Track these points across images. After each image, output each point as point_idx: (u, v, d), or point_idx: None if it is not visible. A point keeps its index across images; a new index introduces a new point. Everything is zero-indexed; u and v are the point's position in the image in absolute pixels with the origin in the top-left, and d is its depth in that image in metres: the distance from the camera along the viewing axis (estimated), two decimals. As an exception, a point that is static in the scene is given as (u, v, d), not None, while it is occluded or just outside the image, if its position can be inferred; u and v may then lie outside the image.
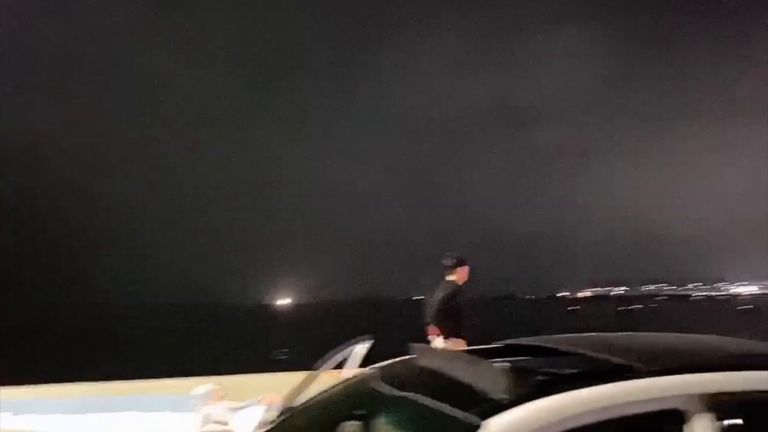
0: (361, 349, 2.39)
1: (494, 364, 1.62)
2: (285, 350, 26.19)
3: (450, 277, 5.73)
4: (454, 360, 1.86)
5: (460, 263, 5.76)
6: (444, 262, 5.78)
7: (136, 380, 7.38)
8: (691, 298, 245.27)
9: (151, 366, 14.31)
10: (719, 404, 1.53)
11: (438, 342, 5.33)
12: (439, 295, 5.65)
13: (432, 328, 5.54)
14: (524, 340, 2.29)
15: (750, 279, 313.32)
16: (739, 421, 1.55)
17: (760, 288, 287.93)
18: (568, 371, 1.73)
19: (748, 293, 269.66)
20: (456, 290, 5.66)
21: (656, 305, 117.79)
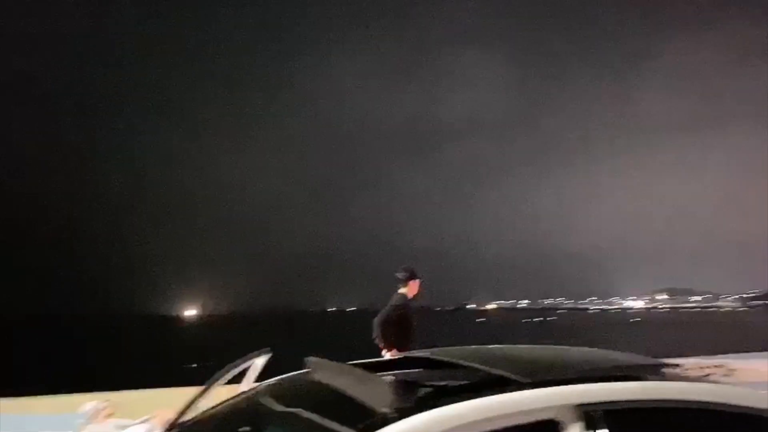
0: (259, 362, 2.34)
1: (383, 378, 1.60)
2: (194, 364, 25.13)
3: (401, 290, 5.77)
4: (346, 374, 1.85)
5: (412, 277, 5.80)
6: (397, 275, 5.80)
7: (21, 397, 6.77)
8: (589, 311, 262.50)
9: (45, 381, 13.25)
10: (593, 414, 1.58)
11: (388, 355, 5.31)
12: (390, 307, 5.68)
13: (379, 341, 5.57)
14: (418, 353, 2.31)
15: (638, 294, 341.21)
16: (612, 431, 1.60)
17: (645, 303, 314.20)
18: (453, 384, 1.75)
19: (637, 307, 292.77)
20: (404, 302, 5.69)
21: (556, 318, 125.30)
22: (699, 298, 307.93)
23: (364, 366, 2.07)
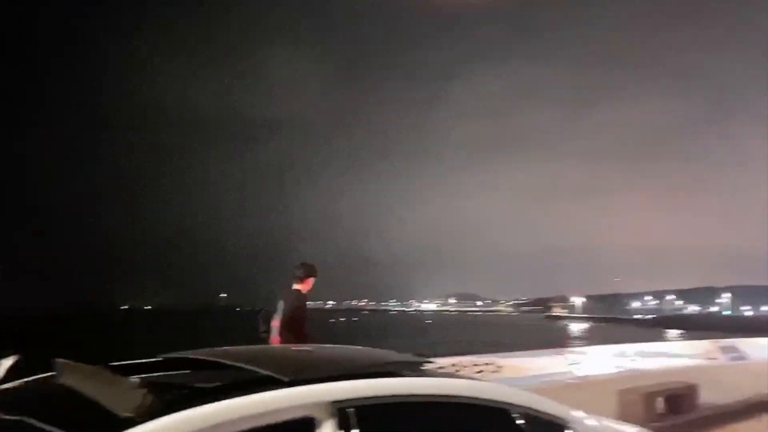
0: (3, 365, 2.11)
1: (134, 380, 1.55)
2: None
3: (296, 286, 5.69)
4: (93, 377, 1.75)
5: (310, 274, 5.76)
6: (295, 271, 5.73)
7: None
8: (390, 312, 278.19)
9: None
10: (347, 411, 1.66)
11: None
12: (285, 303, 5.56)
13: (275, 338, 5.44)
14: (184, 353, 2.27)
15: (431, 297, 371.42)
16: (367, 426, 1.68)
17: (437, 305, 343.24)
18: (212, 384, 1.74)
19: (430, 310, 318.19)
20: (303, 299, 5.67)
21: (357, 319, 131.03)
22: (481, 303, 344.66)
23: (123, 368, 2.00)
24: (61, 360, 1.95)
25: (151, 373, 2.12)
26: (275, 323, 5.55)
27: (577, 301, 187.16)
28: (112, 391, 1.55)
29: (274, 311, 5.66)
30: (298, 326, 5.47)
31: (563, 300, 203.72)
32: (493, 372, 9.22)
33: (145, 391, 1.47)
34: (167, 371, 2.19)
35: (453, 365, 8.73)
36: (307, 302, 5.83)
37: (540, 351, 11.11)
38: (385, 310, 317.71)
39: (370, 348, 2.63)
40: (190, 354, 2.25)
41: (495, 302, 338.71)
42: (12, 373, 2.09)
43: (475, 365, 9.06)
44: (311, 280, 5.79)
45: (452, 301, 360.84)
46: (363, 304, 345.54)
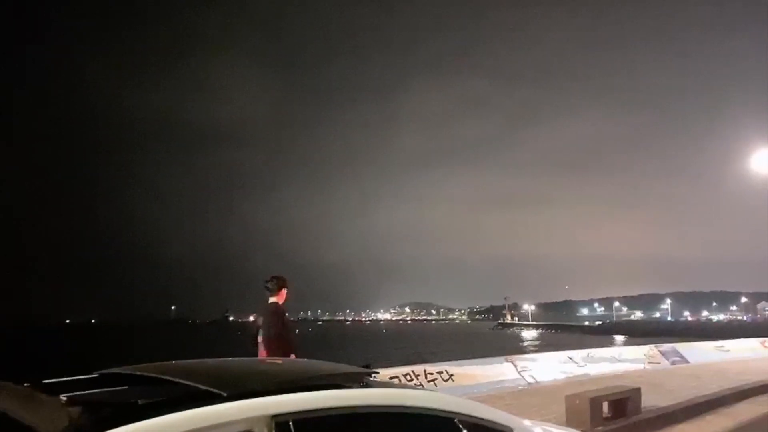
0: None
1: (61, 398, 1.48)
2: None
3: (272, 299, 5.73)
4: (17, 395, 1.68)
5: (281, 286, 5.80)
6: (266, 284, 5.79)
7: None
8: (346, 323, 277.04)
9: None
10: (287, 424, 1.64)
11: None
12: (268, 317, 5.59)
13: (262, 352, 5.45)
14: (124, 369, 2.20)
15: (386, 307, 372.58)
16: None
17: (392, 315, 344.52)
18: (147, 400, 1.69)
19: (386, 319, 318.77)
20: (280, 310, 5.67)
21: (312, 330, 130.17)
22: (435, 312, 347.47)
23: (55, 386, 1.91)
24: None
25: (86, 390, 2.02)
26: (259, 338, 5.58)
27: (528, 308, 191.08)
28: (39, 410, 1.49)
29: (259, 326, 5.68)
30: (283, 338, 5.48)
31: (515, 308, 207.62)
32: (446, 380, 9.28)
33: (76, 409, 1.41)
34: (103, 387, 2.09)
35: (406, 375, 8.74)
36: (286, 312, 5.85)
37: (492, 359, 11.23)
38: (341, 320, 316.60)
39: (314, 360, 2.60)
40: (127, 369, 2.17)
41: (449, 311, 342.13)
42: None
43: (429, 374, 9.09)
44: (284, 292, 5.83)
45: (407, 310, 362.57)
46: (318, 314, 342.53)
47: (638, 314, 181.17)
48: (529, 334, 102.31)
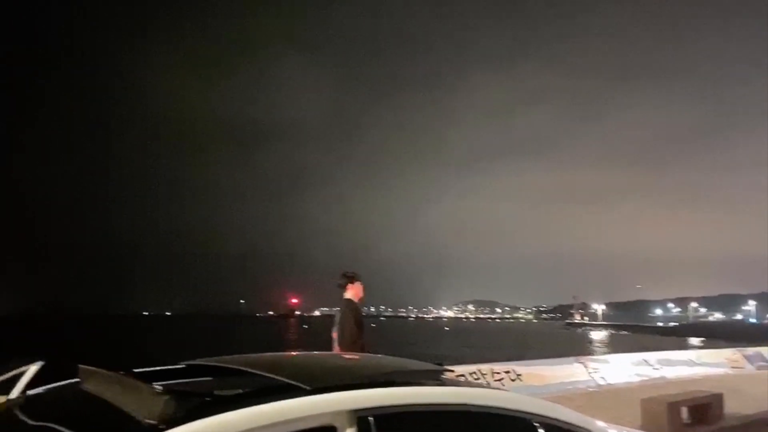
0: (29, 371, 2.11)
1: (157, 387, 1.54)
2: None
3: (346, 296, 5.78)
4: (117, 384, 1.75)
5: (351, 280, 5.81)
6: (339, 281, 5.82)
7: None
8: (408, 319, 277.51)
9: None
10: (367, 420, 1.64)
11: None
12: (340, 312, 5.70)
13: (335, 348, 5.54)
14: (205, 361, 2.27)
15: (448, 304, 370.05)
16: None
17: (455, 312, 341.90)
18: (234, 392, 1.73)
19: (448, 316, 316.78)
20: (352, 306, 5.71)
21: (375, 325, 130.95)
22: (500, 310, 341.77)
23: (145, 375, 2.00)
24: (85, 366, 1.99)
25: (174, 379, 2.12)
26: (333, 334, 5.71)
27: (598, 308, 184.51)
28: (135, 398, 1.55)
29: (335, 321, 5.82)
30: (354, 334, 5.56)
31: (584, 307, 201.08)
32: (513, 380, 9.14)
33: (167, 398, 1.46)
34: (189, 378, 2.20)
35: (472, 373, 8.67)
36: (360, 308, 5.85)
37: (560, 359, 10.96)
38: (403, 317, 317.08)
39: (390, 356, 2.62)
40: (211, 361, 2.26)
41: (514, 309, 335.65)
42: (36, 380, 2.09)
43: (495, 373, 8.98)
44: (355, 287, 5.86)
45: (470, 308, 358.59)
46: (380, 310, 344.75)
47: (717, 316, 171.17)
48: (599, 335, 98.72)
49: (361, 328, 5.63)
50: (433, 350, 45.03)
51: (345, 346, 5.45)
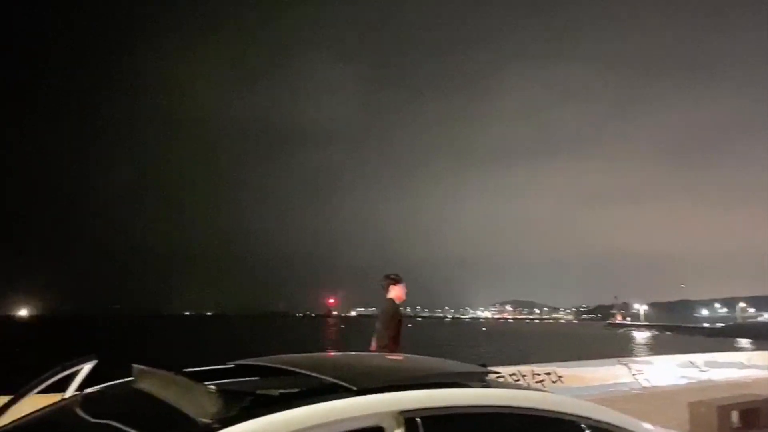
0: (84, 369, 2.16)
1: (209, 387, 1.55)
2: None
3: (388, 296, 5.85)
4: (170, 383, 1.79)
5: (393, 282, 5.89)
6: (381, 282, 5.91)
7: None
8: (445, 320, 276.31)
9: None
10: (414, 421, 1.64)
11: None
12: (380, 313, 5.80)
13: (372, 347, 5.64)
14: (252, 360, 2.30)
15: (485, 305, 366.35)
16: None
17: (492, 313, 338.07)
18: (283, 392, 1.75)
19: (485, 317, 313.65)
20: (392, 307, 5.78)
21: (411, 325, 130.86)
22: (539, 311, 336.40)
23: (196, 374, 2.04)
24: (138, 365, 2.05)
25: (223, 379, 2.17)
26: (374, 340, 5.78)
27: (640, 308, 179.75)
28: (189, 397, 1.59)
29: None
30: (390, 335, 5.63)
31: (625, 307, 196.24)
32: (554, 382, 9.02)
33: (220, 397, 1.48)
34: (238, 378, 2.24)
35: (512, 374, 8.60)
36: (399, 309, 5.90)
37: (602, 360, 10.75)
38: (440, 317, 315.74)
39: (434, 357, 2.62)
40: (259, 361, 2.30)
41: (553, 310, 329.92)
42: (91, 378, 2.16)
43: (536, 374, 8.88)
44: (398, 288, 5.91)
45: (508, 308, 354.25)
46: (416, 311, 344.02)
47: (767, 316, 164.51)
48: (641, 336, 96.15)
49: (399, 328, 5.70)
50: (473, 351, 44.69)
51: (382, 344, 5.53)
